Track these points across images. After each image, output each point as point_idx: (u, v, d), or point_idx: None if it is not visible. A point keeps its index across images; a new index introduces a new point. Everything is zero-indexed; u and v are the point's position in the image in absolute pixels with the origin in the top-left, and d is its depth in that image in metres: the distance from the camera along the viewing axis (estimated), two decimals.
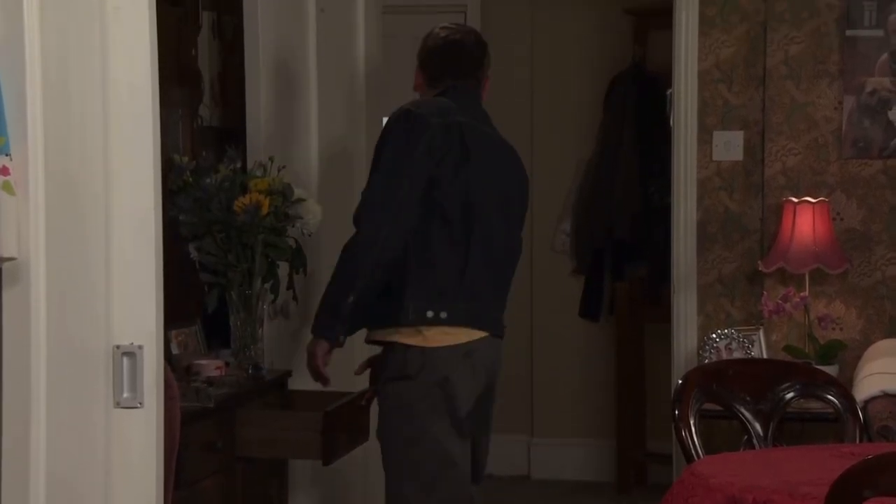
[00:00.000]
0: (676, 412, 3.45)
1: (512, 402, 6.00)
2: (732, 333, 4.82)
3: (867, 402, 4.21)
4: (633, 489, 6.07)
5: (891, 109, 4.91)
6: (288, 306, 4.14)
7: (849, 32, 4.91)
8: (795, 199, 4.86)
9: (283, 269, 3.98)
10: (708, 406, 3.62)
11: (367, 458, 4.75)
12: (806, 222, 4.80)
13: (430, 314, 3.51)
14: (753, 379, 3.63)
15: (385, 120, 3.71)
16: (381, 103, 4.85)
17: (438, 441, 3.53)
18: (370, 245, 3.50)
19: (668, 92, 5.47)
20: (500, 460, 5.49)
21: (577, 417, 6.33)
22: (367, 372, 3.78)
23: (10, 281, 2.10)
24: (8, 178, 2.06)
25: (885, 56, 4.90)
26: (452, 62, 3.75)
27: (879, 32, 4.90)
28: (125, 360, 2.10)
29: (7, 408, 2.09)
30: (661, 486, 4.85)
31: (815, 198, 4.86)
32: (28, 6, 2.09)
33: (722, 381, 3.60)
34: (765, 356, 4.79)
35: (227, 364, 3.85)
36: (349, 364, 3.92)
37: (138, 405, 2.10)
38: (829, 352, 4.77)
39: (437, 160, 3.53)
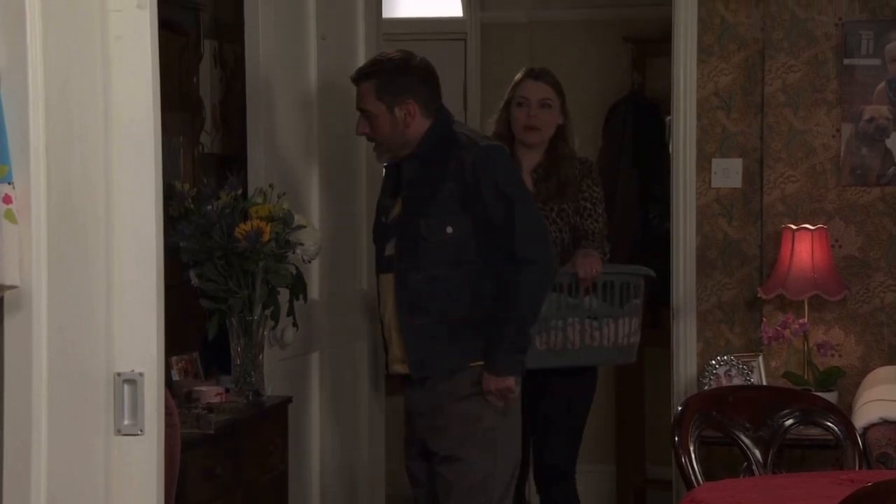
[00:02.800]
0: (676, 438, 3.45)
1: None
2: (732, 360, 4.83)
3: (866, 428, 4.21)
4: None
5: (888, 137, 4.93)
6: (288, 333, 4.15)
7: (846, 61, 4.94)
8: (794, 226, 4.87)
9: (283, 295, 3.99)
10: (708, 432, 3.62)
11: (371, 484, 4.75)
12: (804, 249, 4.81)
13: None
14: (753, 405, 3.64)
15: (469, 161, 3.67)
16: None
17: None
18: (551, 274, 3.72)
19: (668, 119, 5.49)
20: None
21: None
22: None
23: (12, 309, 2.10)
24: (10, 206, 2.07)
25: (882, 84, 4.92)
26: (437, 83, 3.81)
27: (877, 61, 4.92)
28: (126, 387, 2.11)
29: (8, 435, 2.10)
30: None
31: (813, 225, 4.87)
32: (31, 35, 2.10)
33: (722, 408, 3.61)
34: (764, 383, 4.80)
35: (227, 390, 3.85)
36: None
37: (139, 432, 2.10)
38: (829, 378, 4.77)
39: None
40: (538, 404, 4.29)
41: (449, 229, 3.64)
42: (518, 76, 4.48)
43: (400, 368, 3.77)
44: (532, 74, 4.44)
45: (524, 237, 3.64)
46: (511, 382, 3.65)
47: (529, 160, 4.42)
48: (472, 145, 3.68)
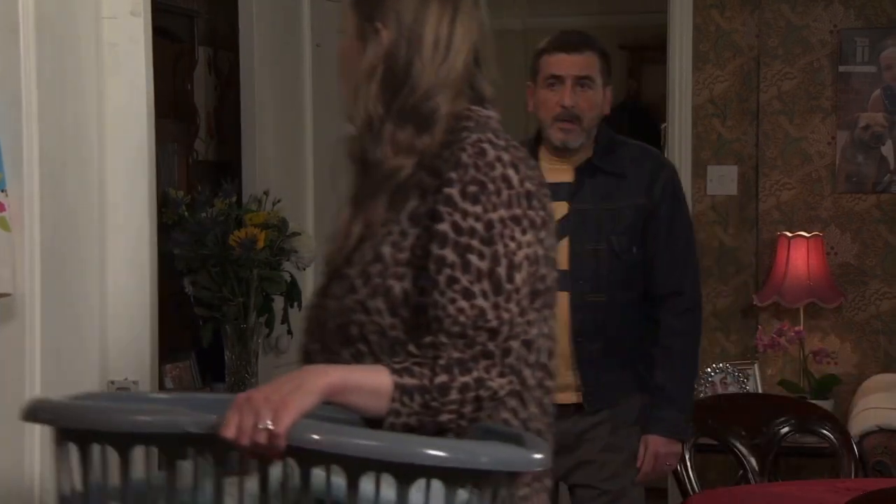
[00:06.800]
0: None
1: None
2: (727, 368, 4.82)
3: (862, 436, 4.20)
4: None
5: (884, 144, 4.93)
6: (283, 340, 4.14)
7: (842, 68, 4.94)
8: (790, 234, 4.87)
9: (277, 302, 3.98)
10: (703, 440, 3.61)
11: None
12: (800, 257, 4.81)
13: None
14: (749, 413, 3.63)
15: (660, 174, 3.25)
16: None
17: None
18: None
19: (663, 126, 5.49)
20: None
21: None
22: None
23: (6, 316, 2.09)
24: (3, 214, 2.07)
25: (877, 92, 4.92)
26: None
27: (872, 68, 4.93)
28: None
29: (2, 444, 2.08)
30: None
31: (809, 232, 4.87)
32: (24, 42, 2.10)
33: (717, 416, 3.60)
34: (760, 391, 4.79)
35: None
36: None
37: None
38: (825, 386, 4.77)
39: None
40: None
41: (634, 249, 3.23)
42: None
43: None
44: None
45: (694, 280, 3.27)
46: (679, 449, 3.24)
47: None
48: (654, 157, 3.31)
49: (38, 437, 2.08)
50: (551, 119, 3.19)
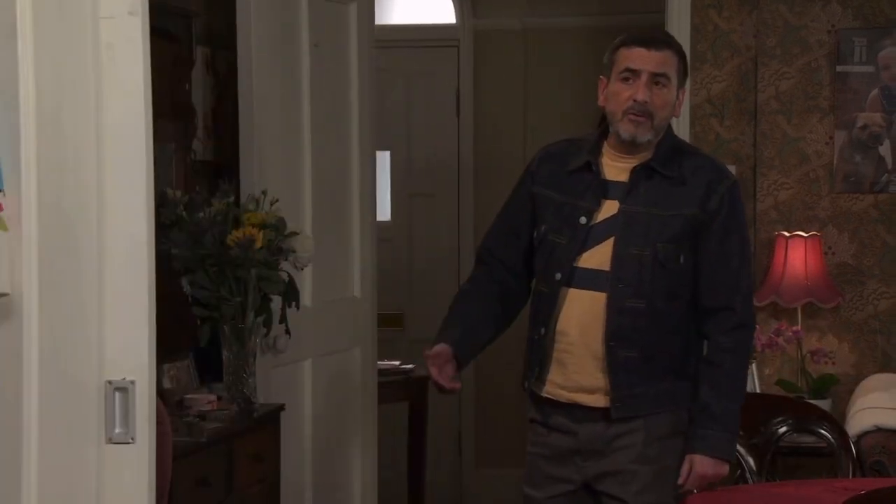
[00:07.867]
0: None
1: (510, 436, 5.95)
2: None
3: (860, 436, 4.21)
4: None
5: (882, 144, 4.94)
6: (281, 340, 4.14)
7: (839, 68, 4.94)
8: (787, 234, 4.87)
9: (275, 302, 3.98)
10: None
11: (364, 492, 4.74)
12: (798, 256, 4.81)
13: None
14: (746, 413, 3.62)
15: (720, 187, 3.14)
16: (373, 137, 4.86)
17: None
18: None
19: None
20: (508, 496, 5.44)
21: None
22: None
23: (3, 317, 2.09)
24: (1, 213, 2.06)
25: (875, 91, 4.92)
26: None
27: (870, 68, 4.93)
28: (117, 395, 2.10)
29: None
30: None
31: (806, 232, 4.87)
32: (22, 41, 2.09)
33: None
34: (758, 390, 4.79)
35: (219, 398, 3.84)
36: None
37: (130, 441, 2.09)
38: (822, 386, 4.77)
39: None
40: None
41: (682, 259, 3.14)
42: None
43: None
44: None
45: (747, 302, 3.19)
46: (724, 471, 3.14)
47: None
48: (716, 169, 3.20)
49: (36, 436, 2.08)
50: (621, 113, 3.14)
